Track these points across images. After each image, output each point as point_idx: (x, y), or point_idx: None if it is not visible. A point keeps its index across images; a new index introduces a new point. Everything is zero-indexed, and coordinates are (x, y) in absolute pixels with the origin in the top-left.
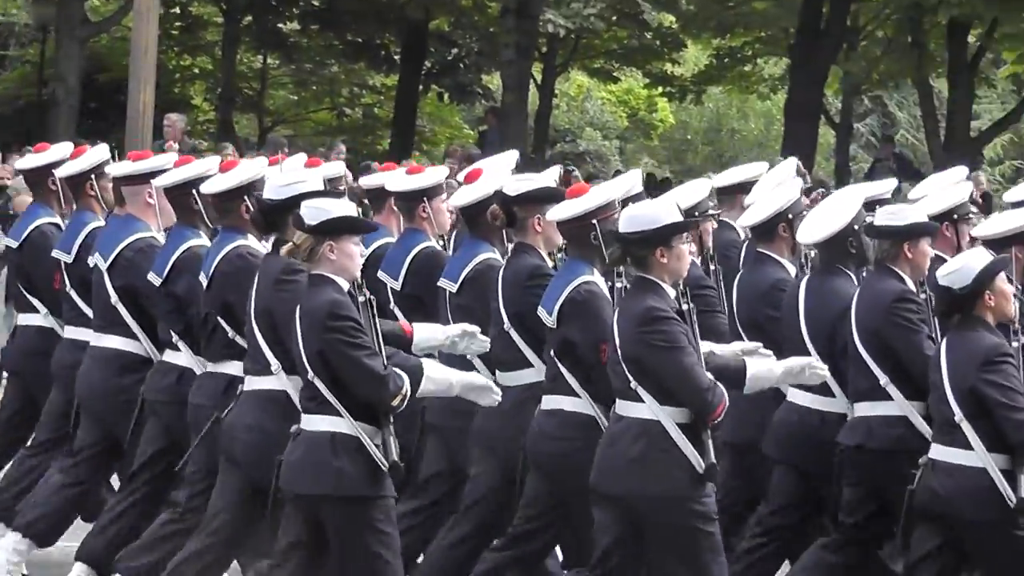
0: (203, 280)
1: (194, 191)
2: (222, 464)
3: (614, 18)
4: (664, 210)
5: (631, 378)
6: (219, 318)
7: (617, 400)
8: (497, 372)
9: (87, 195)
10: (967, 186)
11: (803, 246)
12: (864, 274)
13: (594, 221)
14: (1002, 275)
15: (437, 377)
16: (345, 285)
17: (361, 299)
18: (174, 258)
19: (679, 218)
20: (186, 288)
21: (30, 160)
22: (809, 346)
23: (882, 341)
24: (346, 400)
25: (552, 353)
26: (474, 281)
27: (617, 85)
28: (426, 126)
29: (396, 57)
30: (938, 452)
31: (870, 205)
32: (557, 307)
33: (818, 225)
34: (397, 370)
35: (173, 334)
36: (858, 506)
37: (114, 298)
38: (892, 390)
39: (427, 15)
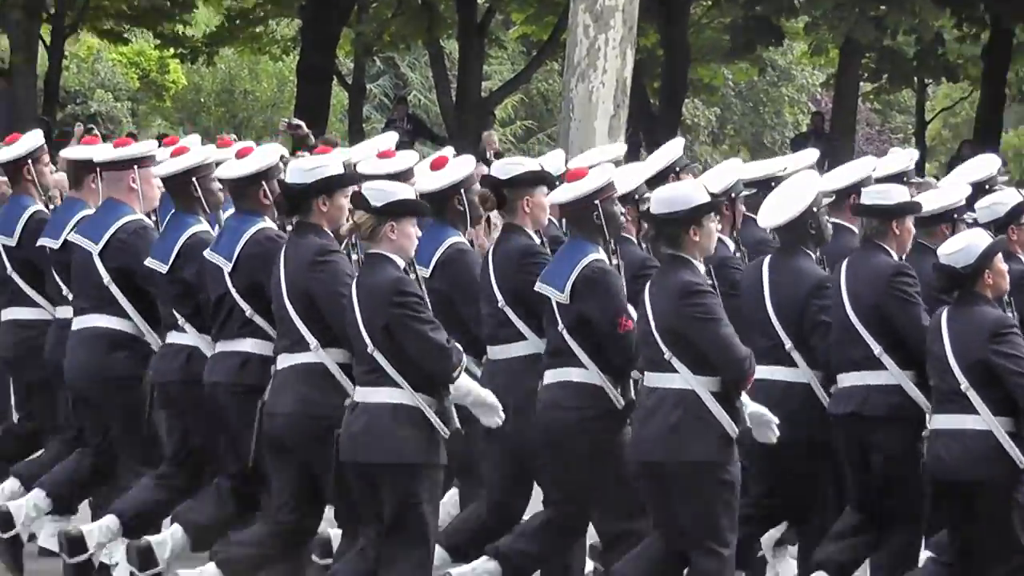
0: (217, 261)
1: (194, 179)
2: (271, 453)
3: None
4: (695, 191)
5: (666, 350)
6: (239, 298)
7: (647, 373)
8: (489, 348)
9: (24, 180)
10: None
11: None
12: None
13: (596, 202)
14: (1000, 255)
15: (461, 383)
16: (402, 264)
17: (413, 277)
18: (179, 244)
19: (708, 199)
20: (194, 273)
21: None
22: (775, 323)
23: (880, 313)
24: (407, 372)
25: (562, 328)
26: (445, 265)
27: (128, 46)
28: None
29: None
30: (941, 421)
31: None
32: (570, 284)
33: (779, 208)
34: (457, 344)
35: (179, 316)
36: (854, 472)
37: (107, 279)
38: (886, 359)
39: None
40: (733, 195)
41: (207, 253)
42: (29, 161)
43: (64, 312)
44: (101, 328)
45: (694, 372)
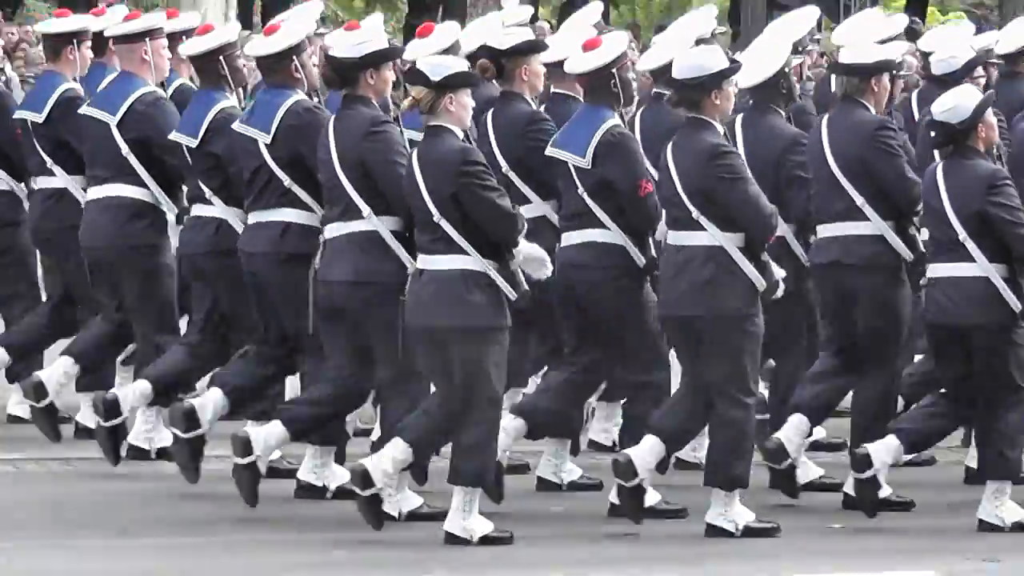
0: (251, 134)
1: (221, 57)
2: (325, 319)
3: None
4: (715, 57)
5: (693, 209)
6: (278, 168)
7: (672, 231)
8: None
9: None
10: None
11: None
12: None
13: (614, 70)
14: (990, 108)
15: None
16: (461, 134)
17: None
18: (209, 119)
19: (727, 64)
20: (225, 147)
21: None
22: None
23: (863, 166)
24: (473, 239)
25: (582, 191)
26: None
27: None
28: None
29: None
30: (940, 270)
31: None
32: (591, 149)
33: (752, 69)
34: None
35: (207, 189)
36: (833, 319)
37: (125, 150)
38: (868, 210)
39: None
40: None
41: (238, 127)
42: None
43: (45, 182)
44: (120, 197)
45: (721, 229)
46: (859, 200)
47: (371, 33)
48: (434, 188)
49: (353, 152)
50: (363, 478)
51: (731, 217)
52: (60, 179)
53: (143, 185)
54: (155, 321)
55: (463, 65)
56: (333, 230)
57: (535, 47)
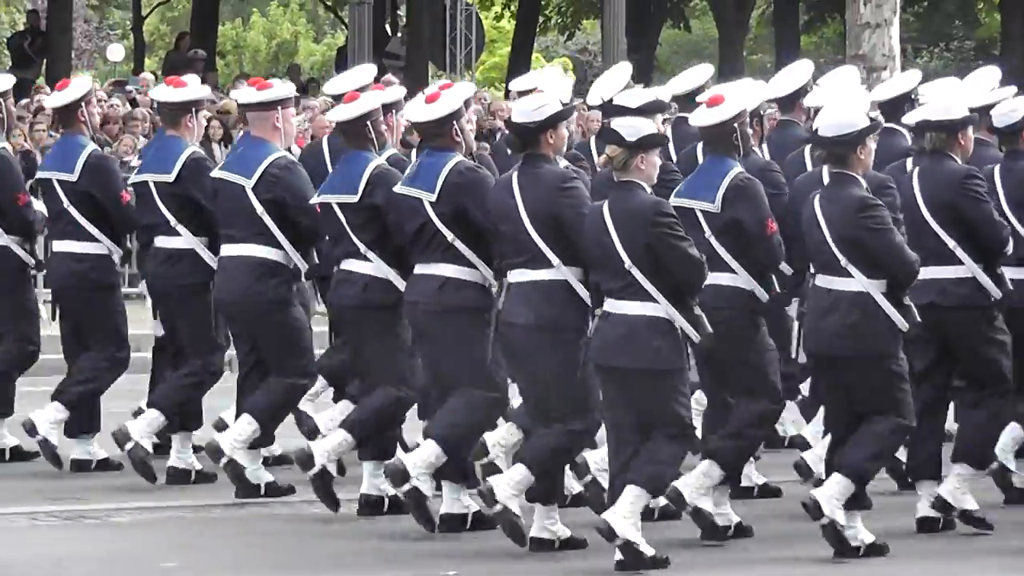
0: (415, 194)
1: (368, 122)
2: (509, 360)
3: None
4: (859, 115)
5: (841, 257)
6: (442, 225)
7: (820, 275)
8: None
9: (78, 121)
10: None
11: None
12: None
13: (735, 124)
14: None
15: None
16: (649, 189)
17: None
18: (367, 175)
19: (869, 122)
20: (384, 199)
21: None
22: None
23: (954, 212)
24: (661, 285)
25: (709, 235)
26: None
27: None
28: None
29: None
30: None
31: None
32: (720, 194)
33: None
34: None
35: (361, 244)
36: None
37: (260, 210)
38: (960, 253)
39: None
40: (761, 112)
41: (400, 189)
42: (82, 104)
43: (166, 242)
44: (255, 258)
45: (867, 276)
46: (951, 244)
47: (548, 98)
48: (626, 238)
49: (545, 206)
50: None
51: (877, 264)
52: (184, 239)
53: (276, 244)
54: (289, 368)
55: (653, 128)
56: (517, 276)
57: (659, 107)
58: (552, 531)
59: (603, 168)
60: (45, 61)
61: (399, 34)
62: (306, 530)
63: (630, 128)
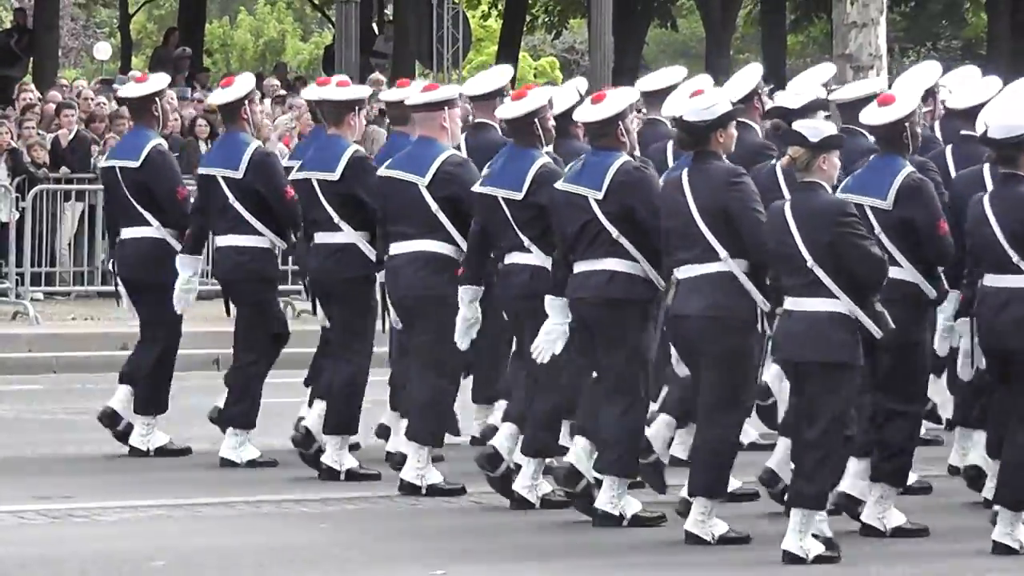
0: (581, 192)
1: (535, 120)
2: (682, 352)
3: None
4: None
5: (1014, 254)
6: (608, 222)
7: (990, 274)
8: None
9: (241, 119)
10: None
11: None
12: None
13: (906, 124)
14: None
15: None
16: (830, 189)
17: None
18: (532, 173)
19: None
20: (548, 198)
21: (134, 89)
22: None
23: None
24: (843, 283)
25: (879, 231)
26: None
27: None
28: None
29: None
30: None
31: None
32: (893, 192)
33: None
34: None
35: (525, 238)
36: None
37: (434, 207)
38: None
39: None
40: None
41: (563, 185)
42: (245, 103)
43: (328, 237)
44: (427, 252)
45: None
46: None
47: (718, 98)
48: (809, 237)
49: (714, 201)
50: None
51: None
52: (346, 234)
53: (450, 241)
54: (435, 366)
55: (834, 129)
56: (687, 271)
57: (822, 105)
58: (708, 527)
59: (786, 168)
60: (32, 59)
61: (384, 32)
62: (297, 526)
63: (813, 129)
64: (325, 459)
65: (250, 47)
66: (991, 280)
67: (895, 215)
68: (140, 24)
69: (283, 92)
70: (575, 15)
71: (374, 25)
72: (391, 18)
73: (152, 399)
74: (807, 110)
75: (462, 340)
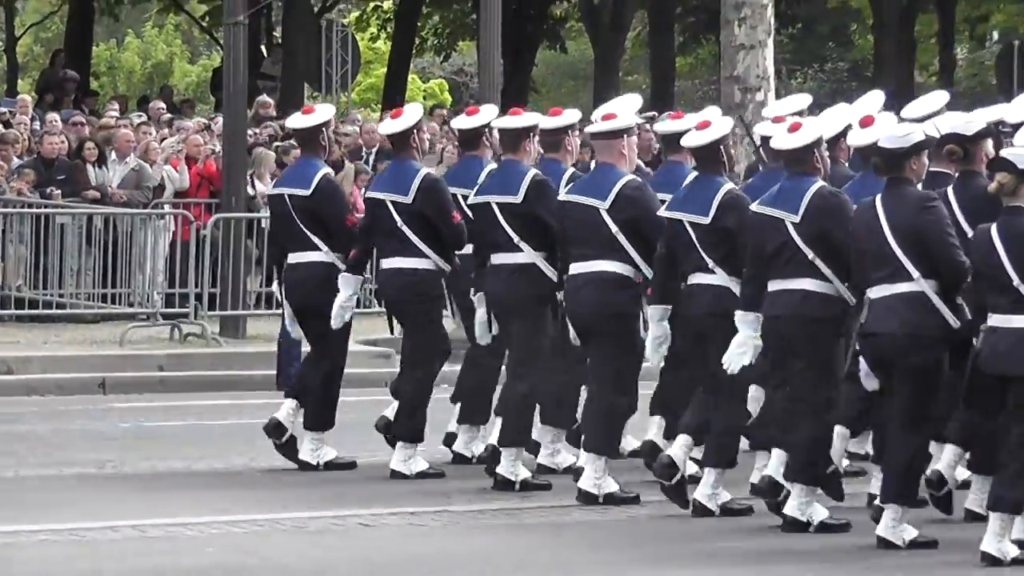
0: (778, 215)
1: (721, 147)
2: (877, 370)
3: None
4: None
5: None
6: (804, 244)
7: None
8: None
9: (410, 147)
10: None
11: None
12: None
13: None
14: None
15: None
16: None
17: None
18: (718, 200)
19: None
20: (736, 222)
21: (302, 120)
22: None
23: None
24: None
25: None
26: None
27: None
28: None
29: None
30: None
31: None
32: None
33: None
34: None
35: (710, 260)
36: None
37: (615, 229)
38: None
39: None
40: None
41: (759, 208)
42: (414, 131)
43: (509, 258)
44: (611, 273)
45: None
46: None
47: (914, 127)
48: (1017, 258)
49: (908, 224)
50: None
51: None
52: (527, 254)
53: (628, 261)
54: (612, 379)
55: None
56: (879, 291)
57: (990, 133)
58: (898, 533)
59: (994, 192)
60: None
61: (273, 55)
62: (490, 534)
63: (1021, 156)
64: (500, 470)
65: (137, 69)
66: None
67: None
68: (27, 47)
69: (169, 115)
70: (464, 37)
71: (263, 48)
72: (279, 40)
73: (321, 416)
74: (980, 136)
75: (654, 356)
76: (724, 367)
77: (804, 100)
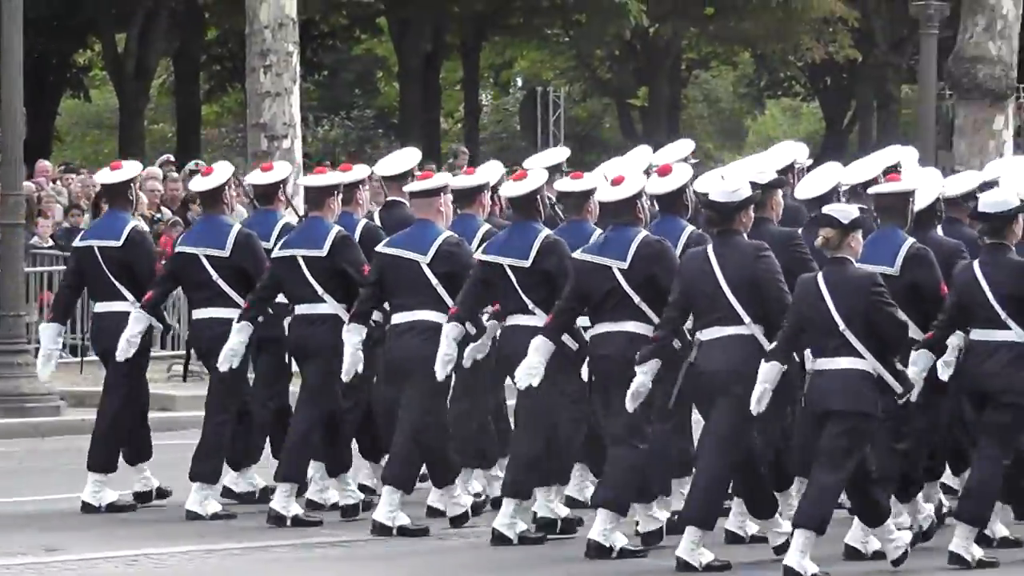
0: (603, 262)
1: (638, 202)
2: (698, 401)
3: None
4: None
5: (1002, 312)
6: (631, 289)
7: (975, 330)
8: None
9: (221, 203)
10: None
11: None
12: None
13: (910, 199)
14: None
15: None
16: (855, 263)
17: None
18: (538, 244)
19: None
20: (556, 266)
21: (110, 175)
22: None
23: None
24: (870, 345)
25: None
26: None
27: None
28: None
29: None
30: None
31: None
32: (900, 260)
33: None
34: None
35: (529, 302)
36: None
37: (434, 282)
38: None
39: None
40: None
41: (584, 256)
42: (225, 188)
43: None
44: (426, 320)
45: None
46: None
47: (740, 182)
48: (842, 305)
49: (741, 272)
50: None
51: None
52: (330, 305)
53: (444, 311)
54: (420, 421)
55: (857, 212)
56: (709, 333)
57: (780, 183)
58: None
59: (820, 247)
60: None
61: None
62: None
63: (842, 212)
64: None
65: None
66: (978, 335)
67: (902, 282)
68: None
69: None
70: None
71: None
72: None
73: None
74: (771, 186)
75: (442, 371)
76: (515, 384)
77: (687, 146)
